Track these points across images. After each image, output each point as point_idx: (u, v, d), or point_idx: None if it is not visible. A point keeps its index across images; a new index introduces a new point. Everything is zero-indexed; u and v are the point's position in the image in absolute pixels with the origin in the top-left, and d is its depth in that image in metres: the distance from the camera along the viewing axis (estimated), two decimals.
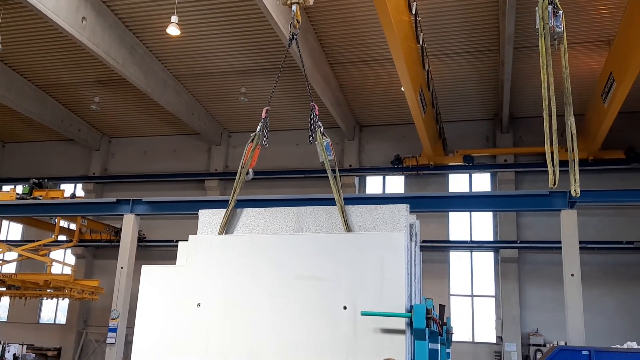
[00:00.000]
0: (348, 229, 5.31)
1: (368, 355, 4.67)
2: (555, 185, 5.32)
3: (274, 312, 5.06)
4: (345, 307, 4.84)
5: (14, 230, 26.05)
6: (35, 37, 18.08)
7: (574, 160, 5.42)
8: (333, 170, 5.82)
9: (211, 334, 5.19)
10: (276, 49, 17.61)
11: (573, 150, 5.44)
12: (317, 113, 6.25)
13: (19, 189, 20.88)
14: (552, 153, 5.31)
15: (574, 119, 5.46)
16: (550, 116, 5.34)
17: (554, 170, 5.33)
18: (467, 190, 21.69)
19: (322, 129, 6.08)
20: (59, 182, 24.80)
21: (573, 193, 5.40)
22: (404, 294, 4.76)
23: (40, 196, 19.58)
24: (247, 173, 6.15)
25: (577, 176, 5.41)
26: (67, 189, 24.40)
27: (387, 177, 22.73)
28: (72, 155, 25.99)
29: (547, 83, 5.39)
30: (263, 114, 6.27)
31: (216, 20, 16.72)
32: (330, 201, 5.54)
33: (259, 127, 6.18)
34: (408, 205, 5.24)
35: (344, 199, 5.54)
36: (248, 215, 5.79)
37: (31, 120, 23.06)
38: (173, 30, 15.99)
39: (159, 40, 17.87)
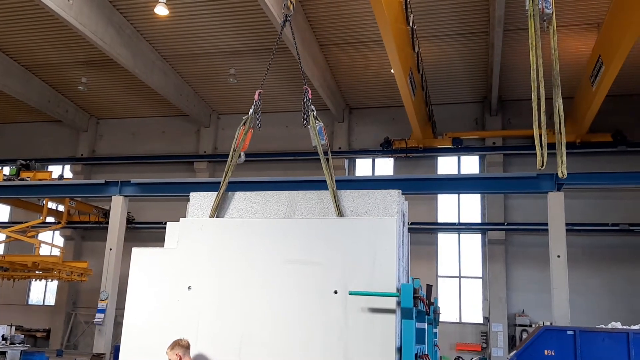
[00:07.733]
0: (340, 213, 5.32)
1: (360, 337, 4.73)
2: (544, 167, 5.35)
3: (265, 296, 5.08)
4: (336, 292, 4.88)
5: (1, 211, 25.86)
6: (22, 16, 17.77)
7: (561, 142, 5.46)
8: (325, 155, 5.81)
9: (202, 316, 5.21)
10: (266, 30, 17.45)
11: (560, 132, 5.47)
12: (311, 97, 6.24)
13: (6, 170, 20.69)
14: (540, 135, 5.34)
15: (562, 101, 5.47)
16: (539, 98, 5.36)
17: (542, 152, 5.36)
18: (456, 172, 21.80)
19: (315, 112, 6.07)
20: (46, 163, 24.62)
21: (560, 174, 5.45)
22: (395, 279, 4.80)
23: (28, 177, 19.42)
24: (239, 156, 6.13)
25: (564, 158, 5.45)
26: (55, 170, 24.23)
27: (376, 160, 22.76)
28: (59, 137, 25.75)
29: (536, 65, 5.40)
30: (256, 97, 6.23)
31: (205, 0, 16.51)
32: (321, 183, 5.54)
33: (251, 110, 6.14)
34: (400, 191, 5.26)
35: (335, 181, 5.54)
36: (239, 198, 5.78)
37: (18, 101, 22.77)
38: (161, 10, 15.80)
39: (147, 20, 17.64)
